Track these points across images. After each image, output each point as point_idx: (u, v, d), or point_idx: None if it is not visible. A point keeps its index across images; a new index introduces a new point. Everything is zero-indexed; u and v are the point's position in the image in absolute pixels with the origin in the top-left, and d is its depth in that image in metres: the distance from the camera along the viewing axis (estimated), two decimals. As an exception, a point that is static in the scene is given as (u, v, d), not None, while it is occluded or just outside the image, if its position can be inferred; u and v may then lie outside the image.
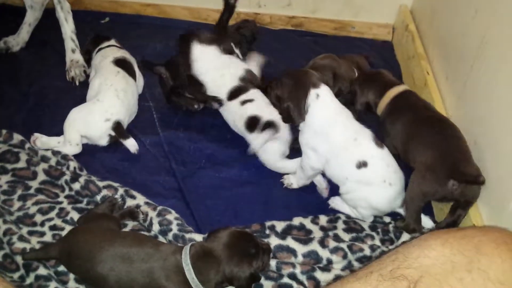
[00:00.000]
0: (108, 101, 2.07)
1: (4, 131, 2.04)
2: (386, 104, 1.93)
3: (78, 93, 2.28)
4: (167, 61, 2.33)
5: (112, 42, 2.42)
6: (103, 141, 2.07)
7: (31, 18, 2.61)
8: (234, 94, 2.08)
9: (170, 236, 1.68)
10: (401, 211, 1.79)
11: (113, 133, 2.04)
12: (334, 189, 1.90)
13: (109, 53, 2.30)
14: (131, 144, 2.04)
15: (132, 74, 2.25)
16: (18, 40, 2.64)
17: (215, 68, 2.16)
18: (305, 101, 1.74)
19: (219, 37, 2.24)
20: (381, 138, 1.83)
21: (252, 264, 1.42)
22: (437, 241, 1.12)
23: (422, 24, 2.61)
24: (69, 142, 2.01)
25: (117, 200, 1.78)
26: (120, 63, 2.24)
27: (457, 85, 2.02)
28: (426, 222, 1.78)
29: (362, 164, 1.72)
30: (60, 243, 1.55)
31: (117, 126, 2.04)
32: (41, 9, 2.61)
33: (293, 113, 1.76)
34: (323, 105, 1.76)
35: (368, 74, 2.11)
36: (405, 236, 1.71)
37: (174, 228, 1.70)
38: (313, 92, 1.75)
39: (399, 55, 2.76)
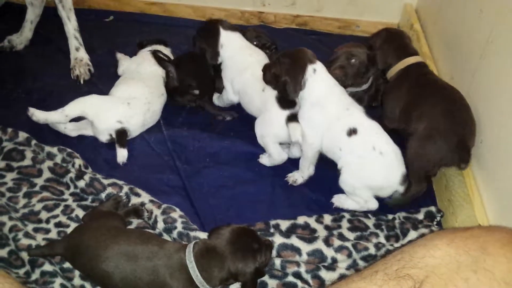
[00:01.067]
0: (135, 112, 2.08)
1: (9, 130, 2.05)
2: (399, 70, 2.06)
3: (82, 92, 2.28)
4: (176, 59, 2.34)
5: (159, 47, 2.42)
6: (102, 137, 2.08)
7: (32, 15, 2.61)
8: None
9: (174, 234, 1.69)
10: (402, 189, 1.81)
11: (114, 135, 2.05)
12: (335, 188, 1.90)
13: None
14: (122, 154, 2.03)
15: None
16: (22, 38, 2.64)
17: (242, 51, 2.21)
18: (303, 76, 1.82)
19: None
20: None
21: (256, 259, 1.42)
22: (443, 241, 1.11)
23: (427, 23, 2.61)
24: (64, 111, 2.03)
25: (122, 198, 1.79)
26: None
27: (463, 85, 2.02)
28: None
29: (352, 131, 1.79)
30: (66, 240, 1.56)
31: (122, 132, 2.04)
32: (41, 5, 2.61)
33: (289, 88, 1.84)
34: (319, 78, 1.85)
35: (393, 33, 2.22)
36: (412, 235, 1.71)
37: (179, 226, 1.70)
38: (310, 68, 1.83)
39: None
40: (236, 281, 1.45)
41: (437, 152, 1.79)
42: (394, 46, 2.13)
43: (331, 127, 1.83)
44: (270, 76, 1.91)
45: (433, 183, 2.03)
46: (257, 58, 2.18)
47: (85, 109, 2.04)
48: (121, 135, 2.04)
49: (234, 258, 1.40)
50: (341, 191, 1.89)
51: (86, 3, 3.01)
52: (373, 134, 1.80)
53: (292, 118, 1.94)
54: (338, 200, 1.90)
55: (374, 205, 1.85)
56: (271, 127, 1.99)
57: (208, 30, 2.24)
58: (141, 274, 1.41)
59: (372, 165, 1.79)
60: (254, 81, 2.07)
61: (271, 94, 1.98)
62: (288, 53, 1.90)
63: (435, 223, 1.80)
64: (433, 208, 1.84)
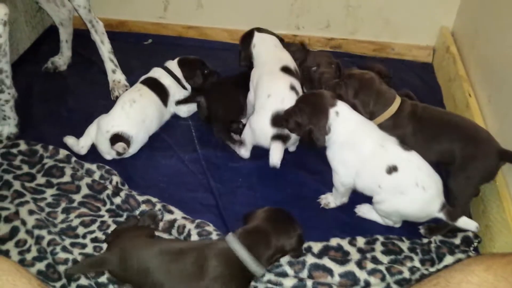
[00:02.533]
0: (113, 113, 2.16)
1: (50, 147, 2.13)
2: (387, 118, 1.92)
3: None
4: (205, 90, 2.38)
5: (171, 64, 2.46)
6: (108, 156, 2.14)
7: (64, 34, 2.71)
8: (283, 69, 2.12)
9: None
10: (441, 215, 1.72)
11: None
12: (357, 198, 1.90)
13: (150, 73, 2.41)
14: (117, 147, 2.07)
15: (161, 94, 2.31)
16: (64, 59, 2.75)
17: (269, 48, 2.26)
18: (326, 121, 1.77)
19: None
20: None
21: (296, 228, 1.55)
22: (481, 267, 1.09)
23: (464, 46, 2.58)
24: (80, 143, 2.14)
25: (156, 213, 1.82)
26: (147, 82, 2.34)
27: (500, 108, 1.98)
28: (471, 224, 1.72)
29: (392, 169, 1.72)
30: (114, 257, 1.54)
31: (114, 136, 2.08)
32: (70, 24, 2.69)
33: (315, 136, 1.79)
34: (344, 120, 1.78)
35: (365, 84, 1.96)
36: (448, 260, 1.66)
37: (215, 238, 1.73)
38: (332, 111, 1.77)
39: (440, 77, 2.73)
40: (283, 254, 1.54)
41: (483, 169, 1.78)
42: (373, 95, 1.93)
43: (367, 166, 1.76)
44: (293, 124, 1.85)
45: (471, 208, 1.97)
46: (280, 55, 2.21)
47: (90, 134, 2.16)
48: (115, 138, 2.08)
49: (277, 232, 1.51)
50: (366, 200, 1.88)
51: (127, 26, 3.13)
52: (415, 168, 1.72)
53: (278, 137, 1.97)
54: (361, 210, 1.89)
55: (399, 224, 1.85)
56: (256, 130, 2.03)
57: (245, 34, 2.35)
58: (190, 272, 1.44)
59: (413, 200, 1.72)
60: (268, 74, 2.11)
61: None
62: (306, 100, 1.86)
63: (471, 248, 1.75)
64: (470, 233, 1.78)
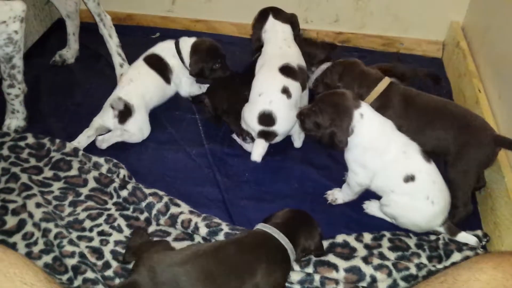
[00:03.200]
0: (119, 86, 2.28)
1: (57, 140, 2.13)
2: (375, 99, 1.93)
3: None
4: (208, 88, 2.38)
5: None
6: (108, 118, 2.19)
7: (71, 27, 2.70)
8: (282, 69, 2.08)
9: (221, 235, 1.72)
10: (441, 229, 1.75)
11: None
12: (364, 194, 1.89)
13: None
14: (116, 104, 2.15)
15: (164, 72, 2.35)
16: (71, 52, 2.75)
17: (277, 38, 2.19)
18: (350, 123, 1.70)
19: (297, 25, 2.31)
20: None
21: (317, 227, 1.60)
22: (489, 264, 1.08)
23: (474, 41, 2.55)
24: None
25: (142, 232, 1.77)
26: (149, 59, 2.37)
27: (510, 104, 1.95)
28: (470, 239, 1.73)
29: (410, 178, 1.69)
30: (144, 278, 1.39)
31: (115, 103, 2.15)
32: (77, 16, 2.68)
33: (337, 138, 1.72)
34: (369, 123, 1.72)
35: (348, 67, 2.02)
36: (456, 257, 1.65)
37: (225, 228, 1.74)
38: (356, 113, 1.71)
39: (450, 72, 2.70)
40: (307, 253, 1.59)
41: (479, 156, 1.79)
42: (356, 77, 1.98)
43: (386, 170, 1.73)
44: (311, 125, 1.77)
45: (479, 205, 1.96)
46: (285, 52, 2.15)
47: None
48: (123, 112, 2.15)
49: (303, 230, 1.56)
50: (374, 197, 1.88)
51: (134, 20, 3.13)
52: (430, 182, 1.70)
53: (263, 134, 1.98)
54: (369, 208, 1.89)
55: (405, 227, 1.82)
56: (247, 121, 2.05)
57: (259, 14, 2.30)
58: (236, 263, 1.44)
59: (420, 211, 1.72)
60: (266, 71, 2.09)
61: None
62: (328, 100, 1.75)
63: (480, 246, 1.73)
64: (479, 232, 1.77)
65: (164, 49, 2.39)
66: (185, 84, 2.44)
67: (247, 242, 1.49)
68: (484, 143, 1.78)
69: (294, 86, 2.07)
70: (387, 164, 1.72)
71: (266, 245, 1.49)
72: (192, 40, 2.41)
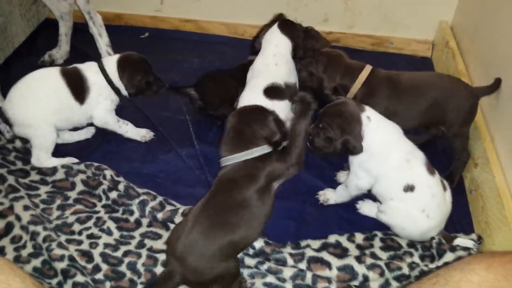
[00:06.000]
0: None
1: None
2: (360, 87, 1.97)
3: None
4: (196, 81, 2.34)
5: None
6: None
7: (64, 28, 2.68)
8: (267, 90, 1.99)
9: None
10: (436, 238, 1.74)
11: None
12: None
13: None
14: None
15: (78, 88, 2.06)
16: (61, 52, 2.72)
17: (267, 57, 2.09)
18: (361, 127, 1.67)
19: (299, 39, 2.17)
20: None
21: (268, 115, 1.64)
22: (481, 265, 1.08)
23: (463, 41, 2.56)
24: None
25: None
26: (67, 69, 2.09)
27: (499, 103, 1.96)
28: (467, 243, 1.72)
29: (409, 188, 1.67)
30: (174, 263, 1.47)
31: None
32: (70, 18, 2.66)
33: (351, 145, 1.68)
34: (376, 126, 1.70)
35: (331, 58, 2.05)
36: (448, 257, 1.65)
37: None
38: (364, 117, 1.68)
39: (439, 71, 2.70)
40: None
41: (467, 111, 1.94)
42: (340, 68, 2.01)
43: (388, 176, 1.70)
44: (323, 142, 1.73)
45: (469, 204, 1.97)
46: (274, 71, 2.05)
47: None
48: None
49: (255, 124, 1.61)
50: (367, 197, 1.89)
51: (123, 19, 3.10)
52: (429, 195, 1.67)
53: None
54: (362, 209, 1.89)
55: None
56: None
57: (272, 19, 2.22)
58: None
59: (415, 223, 1.70)
60: (250, 91, 2.02)
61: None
62: (333, 111, 1.72)
63: (475, 248, 1.73)
64: (473, 236, 1.78)
65: (88, 64, 2.13)
66: (103, 108, 2.12)
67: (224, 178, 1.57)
68: (468, 99, 1.94)
69: (281, 105, 1.97)
70: (389, 170, 1.70)
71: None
72: (116, 57, 2.14)
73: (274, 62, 2.08)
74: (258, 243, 1.67)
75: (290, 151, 1.57)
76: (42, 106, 1.99)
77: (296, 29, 2.17)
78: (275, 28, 2.14)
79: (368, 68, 2.00)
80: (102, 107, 2.11)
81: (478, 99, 1.98)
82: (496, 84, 1.97)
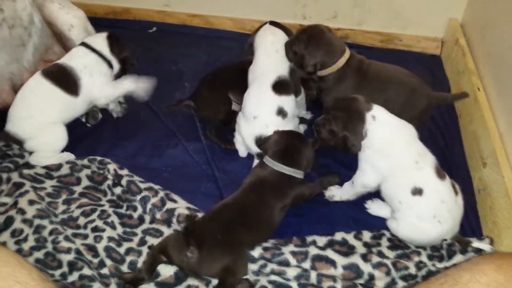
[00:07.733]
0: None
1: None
2: (336, 71, 2.00)
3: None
4: (193, 93, 2.30)
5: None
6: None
7: None
8: (275, 86, 2.00)
9: None
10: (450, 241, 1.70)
11: None
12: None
13: None
14: None
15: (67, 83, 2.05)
16: None
17: (269, 43, 2.11)
18: (363, 126, 1.67)
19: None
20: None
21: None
22: (490, 266, 1.07)
23: (473, 39, 2.53)
24: None
25: None
26: (48, 72, 2.06)
27: (510, 102, 1.94)
28: (484, 246, 1.69)
29: (417, 191, 1.63)
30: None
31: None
32: None
33: (350, 143, 1.69)
34: (381, 124, 1.68)
35: (313, 36, 2.02)
36: (458, 258, 1.63)
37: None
38: (368, 115, 1.68)
39: (448, 69, 2.69)
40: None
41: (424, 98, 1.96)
42: (321, 46, 2.00)
43: (395, 176, 1.68)
44: (327, 133, 1.75)
45: (477, 204, 1.95)
46: (276, 65, 2.06)
47: None
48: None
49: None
50: (377, 196, 1.86)
51: (131, 14, 3.09)
52: (438, 200, 1.63)
53: (261, 155, 1.89)
54: (371, 209, 1.87)
55: None
56: (245, 139, 2.02)
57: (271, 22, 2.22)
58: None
59: (427, 231, 1.66)
60: (258, 89, 2.02)
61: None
62: (340, 106, 1.74)
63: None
64: (487, 241, 1.73)
65: (70, 53, 2.15)
66: (99, 85, 2.13)
67: (254, 181, 1.76)
68: (422, 102, 1.96)
69: (288, 101, 1.99)
70: (396, 170, 1.67)
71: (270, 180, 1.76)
72: (101, 35, 2.21)
73: (274, 49, 2.09)
74: (256, 252, 1.65)
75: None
76: (47, 111, 2.02)
77: (287, 28, 2.21)
78: (267, 25, 2.18)
79: (347, 54, 2.01)
80: (98, 85, 2.12)
81: (432, 104, 2.00)
82: (459, 96, 2.08)
